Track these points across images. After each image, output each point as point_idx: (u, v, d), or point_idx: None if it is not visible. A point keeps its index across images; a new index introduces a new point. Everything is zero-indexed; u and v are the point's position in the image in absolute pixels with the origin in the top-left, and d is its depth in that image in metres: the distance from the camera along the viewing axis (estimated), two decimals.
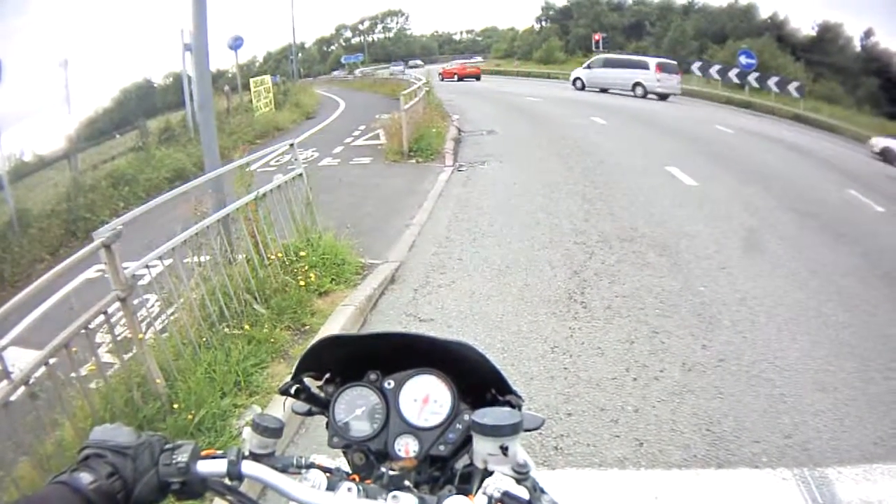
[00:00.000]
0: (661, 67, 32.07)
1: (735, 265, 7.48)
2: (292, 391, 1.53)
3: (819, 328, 5.85)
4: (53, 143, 16.71)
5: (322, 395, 1.54)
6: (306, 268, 6.50)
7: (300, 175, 7.05)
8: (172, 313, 5.04)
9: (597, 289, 6.75)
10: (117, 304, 4.12)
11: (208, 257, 5.42)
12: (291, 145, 7.28)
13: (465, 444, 1.38)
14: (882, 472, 3.82)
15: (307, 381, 1.54)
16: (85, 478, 1.09)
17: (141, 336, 4.23)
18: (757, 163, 14.58)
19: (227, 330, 5.23)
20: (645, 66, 32.44)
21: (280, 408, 1.64)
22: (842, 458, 3.94)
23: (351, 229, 8.07)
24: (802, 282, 7.06)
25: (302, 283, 6.23)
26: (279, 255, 6.36)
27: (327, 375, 1.55)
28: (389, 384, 1.47)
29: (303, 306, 5.98)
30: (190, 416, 4.11)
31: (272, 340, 5.30)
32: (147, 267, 4.65)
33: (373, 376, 1.49)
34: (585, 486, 3.74)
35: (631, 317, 6.04)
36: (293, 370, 1.53)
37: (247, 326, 5.35)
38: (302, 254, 6.66)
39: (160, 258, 4.75)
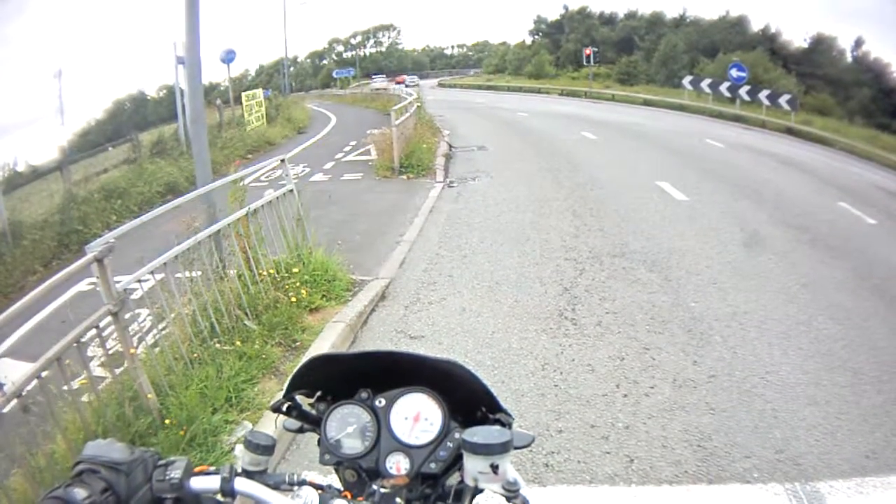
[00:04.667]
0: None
1: (726, 280, 7.51)
2: (284, 409, 1.53)
3: (810, 342, 5.87)
4: (47, 154, 16.67)
5: (313, 412, 1.55)
6: (297, 284, 6.50)
7: (291, 191, 7.05)
8: (164, 328, 5.04)
9: (587, 305, 6.77)
10: (109, 319, 4.11)
11: (200, 273, 5.41)
12: (282, 161, 7.28)
13: (456, 461, 1.39)
14: (874, 484, 3.84)
15: (299, 398, 1.56)
16: (79, 493, 1.11)
17: (132, 350, 4.21)
18: (748, 177, 14.65)
19: (218, 345, 5.21)
20: None
21: (272, 424, 1.67)
22: (834, 472, 3.96)
23: (342, 245, 8.09)
24: (793, 296, 7.09)
25: (293, 299, 6.23)
26: (270, 271, 6.36)
27: (318, 393, 1.57)
28: (380, 402, 1.49)
29: (294, 322, 5.97)
30: (182, 432, 4.10)
31: (263, 356, 5.30)
32: (139, 281, 4.64)
33: (364, 394, 1.50)
34: (576, 503, 3.75)
35: (622, 333, 6.05)
36: (284, 388, 1.55)
37: (238, 342, 5.34)
38: (294, 270, 6.66)
39: (152, 273, 4.73)
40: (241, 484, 1.24)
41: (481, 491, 1.26)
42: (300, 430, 1.57)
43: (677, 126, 24.09)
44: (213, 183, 6.30)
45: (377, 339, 6.12)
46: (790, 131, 24.92)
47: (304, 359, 1.69)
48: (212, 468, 1.27)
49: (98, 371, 4.61)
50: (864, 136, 21.12)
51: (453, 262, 8.46)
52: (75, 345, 3.83)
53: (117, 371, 4.36)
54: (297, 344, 5.76)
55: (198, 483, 1.23)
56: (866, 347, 5.80)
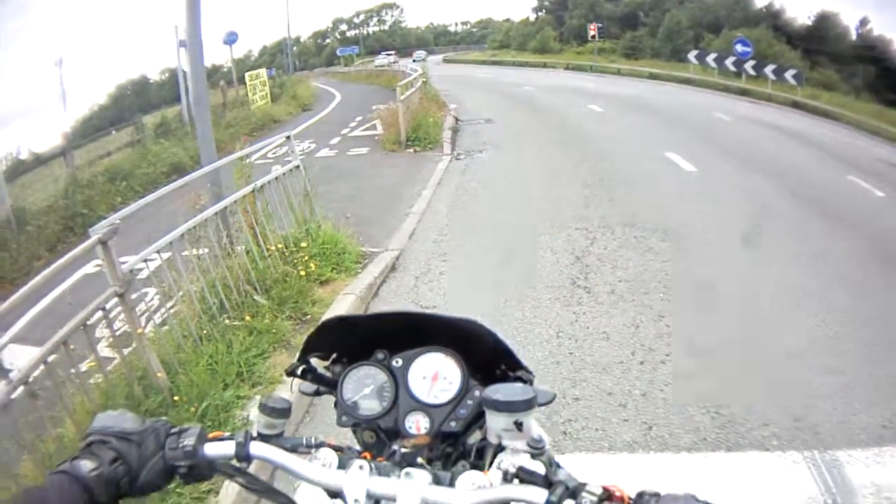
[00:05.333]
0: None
1: (737, 251, 7.43)
2: (299, 372, 1.51)
3: (824, 313, 5.76)
4: (49, 140, 16.60)
5: (329, 375, 1.52)
6: (306, 258, 6.43)
7: (297, 167, 6.98)
8: (172, 306, 4.99)
9: (600, 274, 6.70)
10: (115, 300, 4.07)
11: (207, 250, 5.36)
12: (288, 137, 7.19)
13: (477, 419, 1.38)
14: (892, 454, 3.77)
15: (314, 361, 1.52)
16: (86, 465, 1.07)
17: (140, 330, 4.16)
18: (756, 149, 14.48)
19: (227, 322, 5.15)
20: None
21: (287, 392, 1.61)
22: (852, 441, 3.89)
23: (351, 219, 8.06)
24: (805, 266, 7.00)
25: (302, 272, 6.17)
26: (279, 246, 6.30)
27: (334, 356, 1.53)
28: (398, 362, 1.45)
29: (304, 296, 5.92)
30: (193, 409, 4.05)
31: (274, 331, 5.24)
32: (146, 261, 4.59)
33: (380, 355, 1.47)
34: (595, 470, 3.67)
35: (635, 301, 5.98)
36: (300, 351, 1.51)
37: (248, 317, 5.29)
38: (302, 244, 6.60)
39: (158, 252, 4.68)
40: (256, 448, 1.19)
41: (504, 449, 1.19)
42: (316, 394, 1.55)
43: (683, 99, 23.85)
44: (217, 161, 6.21)
45: None
46: (796, 105, 24.63)
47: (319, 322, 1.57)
48: (226, 434, 1.22)
49: (106, 352, 4.53)
50: (871, 111, 20.78)
51: (463, 232, 8.41)
52: (82, 328, 3.78)
53: (126, 351, 4.31)
54: (308, 317, 5.71)
55: (212, 449, 1.18)
56: (878, 318, 5.70)
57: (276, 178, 6.61)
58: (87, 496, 1.05)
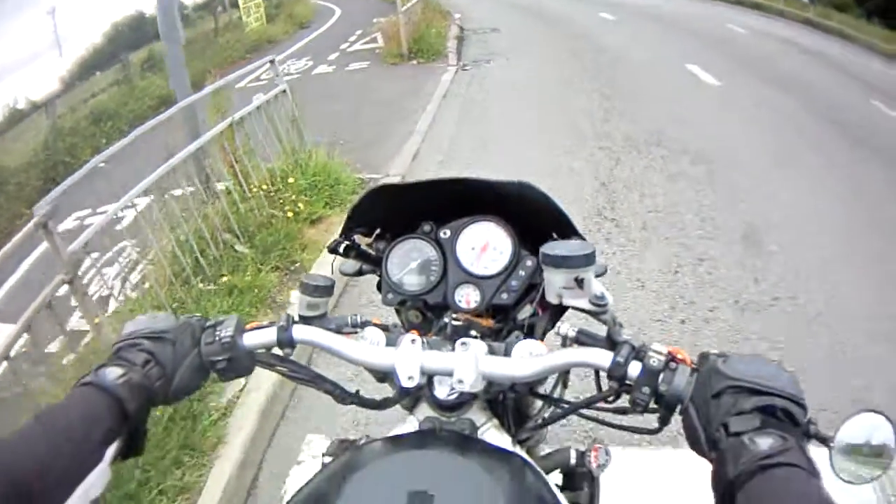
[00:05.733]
0: None
1: (772, 175, 6.69)
2: (341, 249, 1.43)
3: (864, 245, 5.17)
4: (46, 89, 15.80)
5: (373, 252, 1.45)
6: (293, 196, 5.74)
7: (284, 91, 6.17)
8: (142, 271, 4.45)
9: (628, 203, 6.00)
10: (66, 288, 3.48)
11: (179, 197, 4.72)
12: (272, 62, 6.34)
13: (528, 292, 1.33)
14: None
15: (356, 239, 1.45)
16: (112, 372, 0.97)
17: (97, 320, 3.58)
18: (775, 65, 13.24)
19: (202, 285, 4.51)
20: None
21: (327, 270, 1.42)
22: None
23: (347, 144, 7.38)
24: (840, 196, 6.24)
25: (290, 213, 5.51)
26: (263, 185, 5.61)
27: (377, 232, 1.46)
28: (445, 234, 1.39)
29: (292, 240, 5.26)
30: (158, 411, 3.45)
31: (256, 287, 4.59)
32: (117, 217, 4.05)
33: (426, 227, 1.40)
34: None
35: (670, 239, 5.30)
36: (342, 226, 1.43)
37: (227, 275, 4.65)
38: (290, 179, 5.90)
39: (124, 208, 4.05)
40: (299, 331, 1.12)
41: (565, 310, 1.20)
42: (359, 273, 1.47)
43: (695, 9, 22.46)
44: (193, 95, 5.43)
45: None
46: (809, 22, 23.51)
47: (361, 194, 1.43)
48: (265, 322, 1.15)
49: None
50: (882, 35, 19.64)
51: (473, 151, 7.69)
52: (25, 334, 3.17)
53: (84, 342, 3.82)
54: (297, 265, 5.06)
55: (252, 338, 1.11)
56: None
57: (258, 107, 5.81)
58: (115, 406, 0.94)
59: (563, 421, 1.30)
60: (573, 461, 1.36)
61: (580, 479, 1.36)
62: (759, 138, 8.00)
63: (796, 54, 15.13)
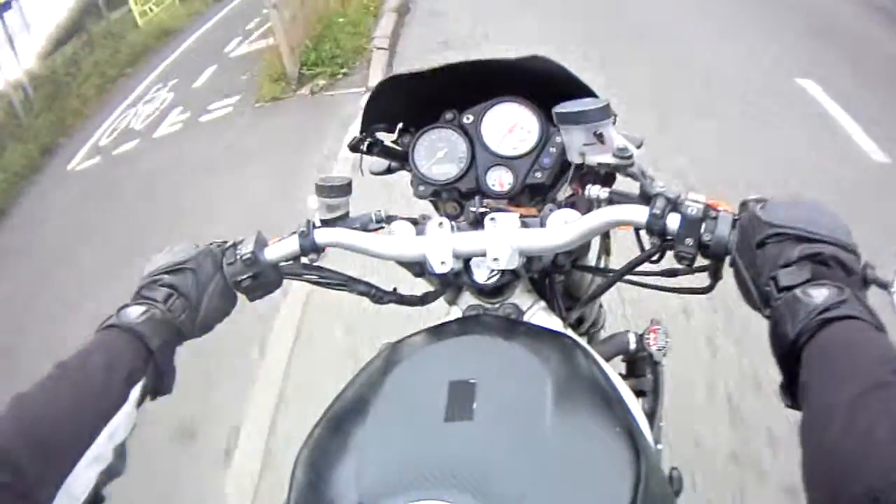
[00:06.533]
0: None
1: None
2: (364, 147, 1.35)
3: None
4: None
5: (398, 148, 1.37)
6: None
7: None
8: None
9: None
10: None
11: None
12: None
13: (563, 172, 1.25)
14: None
15: (379, 136, 1.37)
16: (134, 311, 0.93)
17: None
18: None
19: None
20: None
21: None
22: None
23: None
24: None
25: None
26: None
27: (400, 126, 1.37)
28: (468, 119, 1.30)
29: None
30: None
31: None
32: None
33: (449, 115, 1.31)
34: None
35: None
36: (360, 122, 1.35)
37: None
38: None
39: None
40: (322, 235, 1.08)
41: (586, 173, 1.15)
42: (388, 171, 1.44)
43: None
44: None
45: None
46: None
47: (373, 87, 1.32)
48: (285, 235, 1.11)
49: None
50: None
51: None
52: None
53: None
54: None
55: (274, 252, 1.08)
56: None
57: None
58: (137, 344, 0.90)
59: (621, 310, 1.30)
60: (632, 345, 1.37)
61: (641, 364, 1.38)
62: None
63: None
